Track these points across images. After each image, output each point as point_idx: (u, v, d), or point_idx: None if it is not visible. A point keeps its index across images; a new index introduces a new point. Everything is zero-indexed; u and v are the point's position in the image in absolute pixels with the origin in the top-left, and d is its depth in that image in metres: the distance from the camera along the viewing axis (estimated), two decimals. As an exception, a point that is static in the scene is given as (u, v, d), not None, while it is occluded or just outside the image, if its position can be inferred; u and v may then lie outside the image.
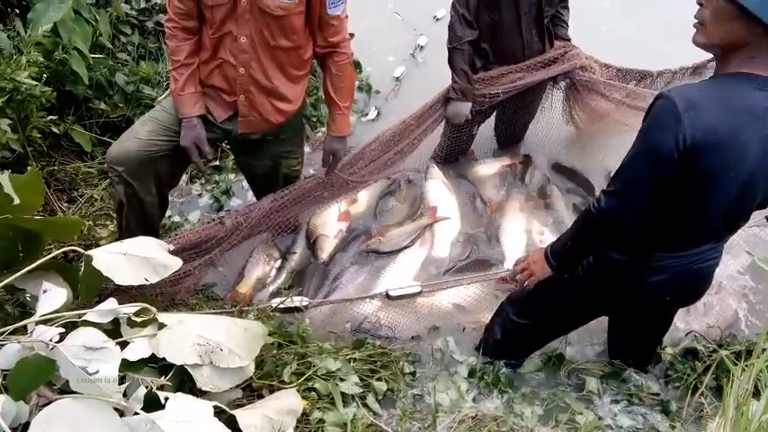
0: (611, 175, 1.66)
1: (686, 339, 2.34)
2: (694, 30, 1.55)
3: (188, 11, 2.16)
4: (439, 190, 3.19)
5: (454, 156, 3.41)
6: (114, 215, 2.70)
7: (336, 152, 2.52)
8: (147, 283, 1.51)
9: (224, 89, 2.27)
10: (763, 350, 1.48)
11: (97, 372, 1.23)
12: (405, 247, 2.84)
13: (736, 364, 1.57)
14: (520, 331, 2.16)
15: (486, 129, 3.44)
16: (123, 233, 2.38)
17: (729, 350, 2.17)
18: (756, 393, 1.77)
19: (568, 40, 3.11)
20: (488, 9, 2.83)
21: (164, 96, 2.37)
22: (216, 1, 2.08)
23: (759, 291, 2.66)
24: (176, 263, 1.61)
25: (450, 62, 2.91)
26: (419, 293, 2.27)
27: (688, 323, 2.43)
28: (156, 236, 2.34)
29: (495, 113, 3.34)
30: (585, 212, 1.75)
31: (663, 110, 1.49)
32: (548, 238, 2.88)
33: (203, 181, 3.24)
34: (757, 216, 2.43)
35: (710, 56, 3.23)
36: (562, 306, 2.03)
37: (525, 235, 2.96)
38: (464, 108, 2.96)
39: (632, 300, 1.91)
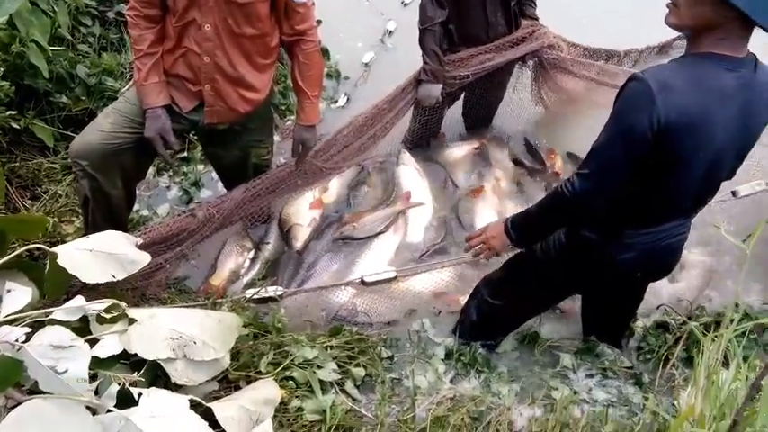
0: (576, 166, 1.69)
1: (657, 313, 2.39)
2: (667, 10, 1.56)
3: None
4: (411, 175, 3.19)
5: (425, 139, 3.41)
6: (80, 211, 2.65)
7: (306, 141, 2.49)
8: (115, 279, 1.48)
9: (189, 78, 2.23)
10: (732, 320, 1.52)
11: (66, 370, 1.21)
12: (379, 233, 2.84)
13: (705, 335, 1.60)
14: (495, 312, 2.18)
15: (456, 112, 3.43)
16: (90, 229, 2.33)
17: (699, 322, 2.22)
18: (726, 363, 1.81)
19: (536, 19, 3.12)
20: None
21: (127, 88, 2.32)
22: None
23: (724, 263, 2.71)
24: (145, 258, 1.58)
25: (421, 43, 2.89)
26: (394, 279, 2.27)
27: (658, 297, 2.47)
28: (124, 230, 2.30)
29: (463, 95, 3.33)
30: (556, 193, 1.74)
31: (636, 92, 1.51)
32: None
33: (171, 173, 3.18)
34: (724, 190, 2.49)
35: (676, 35, 3.42)
36: (535, 285, 2.05)
37: (498, 217, 2.98)
38: (435, 90, 2.95)
39: (604, 277, 1.94)
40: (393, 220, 2.92)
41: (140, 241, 1.68)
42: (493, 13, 2.93)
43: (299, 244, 2.83)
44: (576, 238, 1.85)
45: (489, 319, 2.23)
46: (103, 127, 2.22)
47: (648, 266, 1.88)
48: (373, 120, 2.84)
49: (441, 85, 2.95)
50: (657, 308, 2.40)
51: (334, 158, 2.77)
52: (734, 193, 2.49)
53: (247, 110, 2.34)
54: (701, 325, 2.21)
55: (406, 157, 3.25)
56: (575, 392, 2.02)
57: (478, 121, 3.53)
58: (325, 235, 2.90)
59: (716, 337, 1.42)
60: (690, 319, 2.27)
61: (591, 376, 2.12)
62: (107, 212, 2.32)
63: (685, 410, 1.28)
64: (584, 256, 1.87)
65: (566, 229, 1.88)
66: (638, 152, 1.54)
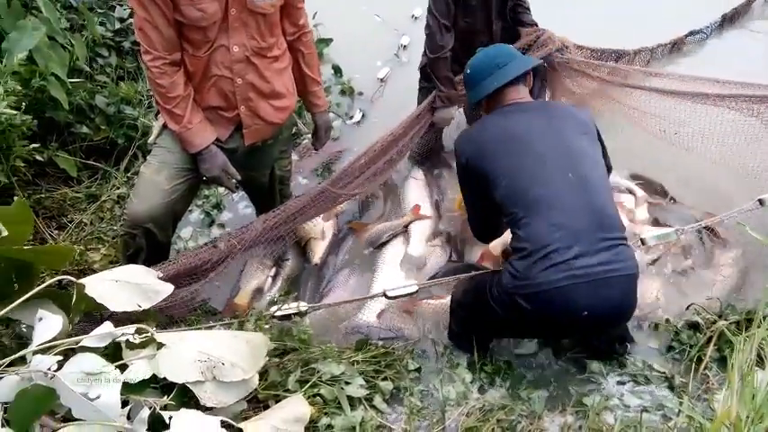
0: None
1: (686, 313, 2.33)
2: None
3: (171, 40, 2.06)
4: (418, 190, 3.18)
5: (431, 151, 3.39)
6: (108, 240, 2.71)
7: (329, 123, 2.65)
8: (140, 309, 1.50)
9: (221, 106, 2.23)
10: (764, 318, 1.48)
11: (98, 397, 1.22)
12: (387, 243, 2.87)
13: (736, 335, 1.56)
14: (464, 324, 2.22)
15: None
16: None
17: (729, 321, 2.17)
18: (761, 362, 1.77)
19: (535, 24, 3.10)
20: (465, 14, 2.87)
21: (155, 136, 2.29)
22: (209, 20, 2.04)
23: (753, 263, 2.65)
24: (168, 288, 1.61)
25: (434, 71, 2.92)
26: (416, 292, 2.27)
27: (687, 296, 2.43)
28: None
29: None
30: None
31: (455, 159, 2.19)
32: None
33: (192, 197, 3.22)
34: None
35: (687, 30, 4.02)
36: (484, 320, 2.09)
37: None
38: (450, 113, 3.02)
39: (549, 321, 1.91)
40: (401, 231, 2.92)
41: (161, 274, 1.70)
42: (497, 27, 2.99)
43: (317, 258, 2.86)
44: (506, 285, 1.90)
45: (467, 330, 2.23)
46: (162, 185, 2.22)
47: (593, 300, 1.82)
48: (389, 146, 2.85)
49: (455, 107, 3.01)
50: (687, 308, 2.34)
51: (351, 185, 2.77)
52: (761, 202, 2.42)
53: (283, 119, 2.38)
54: (732, 324, 2.16)
55: (416, 171, 3.27)
56: (606, 398, 1.99)
57: None
58: (342, 248, 2.93)
59: (748, 336, 1.39)
60: (720, 317, 2.22)
61: (622, 383, 2.08)
62: (154, 256, 2.32)
63: (721, 414, 1.25)
64: (522, 299, 1.87)
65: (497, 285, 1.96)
66: (477, 190, 2.07)
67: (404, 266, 2.74)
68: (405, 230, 2.95)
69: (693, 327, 2.26)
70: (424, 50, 3.03)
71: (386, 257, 2.81)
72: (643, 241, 2.38)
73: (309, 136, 2.92)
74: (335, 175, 2.65)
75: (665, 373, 2.10)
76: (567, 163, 1.94)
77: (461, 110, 3.33)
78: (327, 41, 4.19)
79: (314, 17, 4.03)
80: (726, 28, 4.36)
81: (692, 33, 4.13)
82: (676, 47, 4.03)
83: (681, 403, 1.88)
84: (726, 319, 2.18)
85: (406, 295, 2.27)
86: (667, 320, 2.31)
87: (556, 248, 1.82)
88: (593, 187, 1.93)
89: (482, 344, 2.20)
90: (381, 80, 4.05)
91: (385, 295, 2.25)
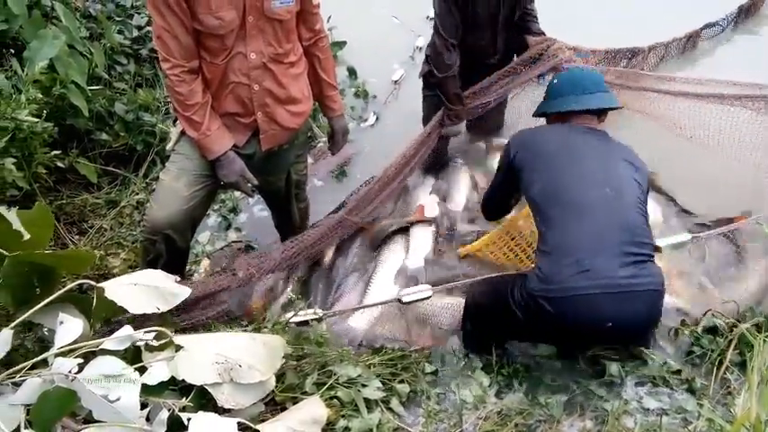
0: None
1: (704, 319, 2.29)
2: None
3: (189, 48, 2.08)
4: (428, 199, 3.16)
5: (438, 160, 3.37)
6: (127, 245, 2.75)
7: (345, 128, 2.65)
8: (159, 311, 1.52)
9: (239, 112, 2.25)
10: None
11: (118, 399, 1.24)
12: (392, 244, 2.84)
13: (756, 337, 1.54)
14: (478, 325, 2.22)
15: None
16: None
17: (749, 323, 2.14)
18: (782, 364, 1.74)
19: (543, 33, 3.07)
20: (472, 33, 2.88)
21: (173, 143, 2.32)
22: (227, 28, 2.06)
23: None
24: (185, 291, 1.63)
25: (443, 89, 2.93)
26: (430, 297, 2.28)
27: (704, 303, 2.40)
28: (184, 268, 2.47)
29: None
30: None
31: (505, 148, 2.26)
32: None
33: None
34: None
35: (702, 24, 3.99)
36: (508, 326, 2.08)
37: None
38: (460, 126, 3.06)
39: (573, 332, 1.92)
40: (404, 224, 2.90)
41: (178, 278, 1.73)
42: (501, 40, 3.00)
43: (326, 259, 2.87)
44: (527, 295, 1.90)
45: (478, 328, 2.24)
46: (181, 191, 2.24)
47: (618, 311, 1.84)
48: (401, 168, 2.85)
49: (465, 120, 3.05)
50: (705, 314, 2.30)
51: (366, 210, 2.78)
52: None
53: (299, 124, 2.39)
54: (752, 326, 2.13)
55: (429, 181, 3.27)
56: (625, 402, 1.97)
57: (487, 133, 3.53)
58: (350, 250, 2.91)
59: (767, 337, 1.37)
60: (739, 321, 2.19)
61: (641, 384, 2.06)
62: (174, 261, 2.36)
63: (740, 416, 1.24)
64: (546, 302, 1.87)
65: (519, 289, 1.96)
66: (511, 179, 2.20)
67: (399, 279, 2.69)
68: (408, 227, 2.91)
69: (712, 331, 2.22)
70: (426, 58, 3.04)
71: (386, 262, 2.77)
72: (658, 249, 2.35)
73: (324, 139, 2.94)
74: (352, 204, 2.66)
75: (682, 375, 2.07)
76: (606, 179, 2.01)
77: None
78: (341, 44, 4.22)
79: (328, 20, 4.06)
80: (742, 20, 4.30)
81: (707, 26, 4.07)
82: (691, 41, 3.98)
83: (701, 406, 1.85)
84: (746, 322, 2.15)
85: (419, 300, 2.28)
86: (683, 322, 2.28)
87: (583, 256, 1.84)
88: (629, 204, 1.97)
89: (498, 345, 2.20)
90: (395, 82, 4.06)
91: (399, 301, 2.25)
